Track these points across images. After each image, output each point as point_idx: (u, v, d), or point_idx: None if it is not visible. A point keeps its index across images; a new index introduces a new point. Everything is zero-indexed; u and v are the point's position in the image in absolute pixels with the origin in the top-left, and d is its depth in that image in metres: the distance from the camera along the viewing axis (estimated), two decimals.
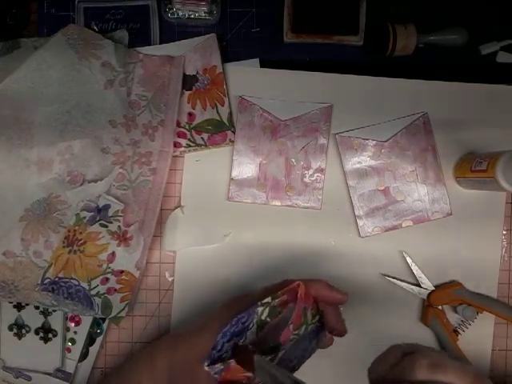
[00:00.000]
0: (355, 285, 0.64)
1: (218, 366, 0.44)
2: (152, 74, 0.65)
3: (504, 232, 0.65)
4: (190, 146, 0.65)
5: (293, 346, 0.48)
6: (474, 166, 0.60)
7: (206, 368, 0.44)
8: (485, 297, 0.64)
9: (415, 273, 0.64)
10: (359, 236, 0.65)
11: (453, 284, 0.64)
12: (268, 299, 0.48)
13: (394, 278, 0.65)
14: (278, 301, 0.48)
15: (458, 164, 0.65)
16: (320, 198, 0.65)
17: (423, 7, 0.66)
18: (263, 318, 0.48)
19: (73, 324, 0.65)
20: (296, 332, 0.47)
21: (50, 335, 0.64)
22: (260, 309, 0.48)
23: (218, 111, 0.65)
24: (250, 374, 0.44)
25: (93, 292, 0.62)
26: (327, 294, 0.51)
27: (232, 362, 0.44)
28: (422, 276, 0.64)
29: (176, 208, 0.66)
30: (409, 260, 0.64)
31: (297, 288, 0.47)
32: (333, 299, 0.51)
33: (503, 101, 0.65)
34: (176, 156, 0.65)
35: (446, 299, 0.64)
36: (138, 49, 0.66)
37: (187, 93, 0.65)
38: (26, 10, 0.67)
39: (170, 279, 0.66)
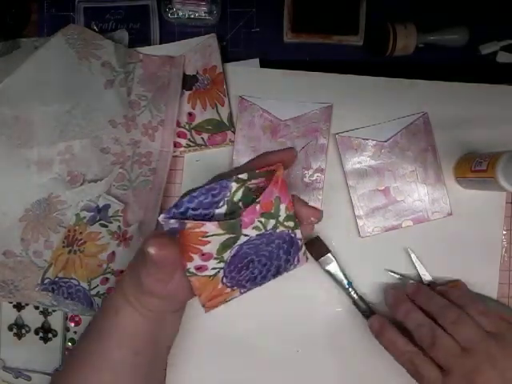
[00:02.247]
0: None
1: (173, 223, 0.41)
2: (152, 74, 0.65)
3: (504, 232, 0.65)
4: (189, 145, 0.65)
5: (258, 242, 0.46)
6: (474, 166, 0.60)
7: (161, 220, 0.41)
8: (485, 297, 0.64)
9: (419, 270, 0.64)
10: (359, 236, 0.65)
11: (454, 283, 0.64)
12: (244, 175, 0.44)
13: (398, 273, 0.65)
14: (254, 182, 0.45)
15: (458, 164, 0.65)
16: (320, 198, 0.65)
17: (423, 7, 0.66)
18: (235, 199, 0.45)
19: (73, 324, 0.65)
20: (262, 220, 0.44)
21: (50, 335, 0.65)
22: (233, 184, 0.44)
23: (217, 111, 0.65)
24: (207, 229, 0.41)
25: (93, 292, 0.62)
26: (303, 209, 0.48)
27: (188, 223, 0.41)
28: (426, 274, 0.64)
29: None
30: (413, 257, 0.64)
31: (276, 170, 0.44)
32: (306, 214, 0.49)
33: (503, 101, 0.65)
34: (176, 156, 0.65)
35: None
36: (138, 49, 0.66)
37: (187, 93, 0.65)
38: (25, 10, 0.67)
39: None
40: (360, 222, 0.65)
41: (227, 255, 0.45)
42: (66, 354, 0.65)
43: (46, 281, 0.62)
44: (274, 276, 0.50)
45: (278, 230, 0.46)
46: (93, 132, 0.62)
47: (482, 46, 0.66)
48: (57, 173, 0.61)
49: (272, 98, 0.65)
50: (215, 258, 0.44)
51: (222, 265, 0.45)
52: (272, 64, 0.66)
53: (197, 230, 0.42)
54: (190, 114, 0.65)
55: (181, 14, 0.66)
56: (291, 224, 0.47)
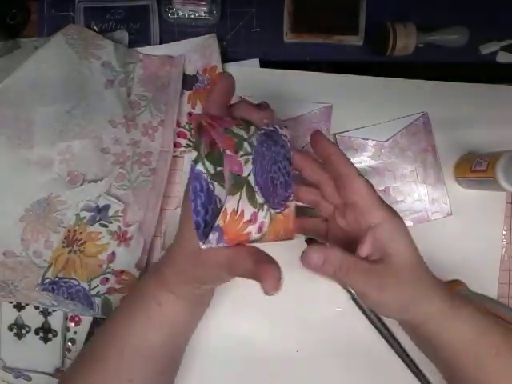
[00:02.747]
0: None
1: (212, 237, 0.40)
2: (152, 74, 0.65)
3: (504, 232, 0.65)
4: (190, 146, 0.65)
5: (259, 164, 0.42)
6: (474, 166, 0.60)
7: (204, 247, 0.40)
8: (485, 297, 0.64)
9: None
10: None
11: (455, 283, 0.64)
12: (194, 154, 0.42)
13: None
14: (202, 147, 0.43)
15: (458, 164, 0.65)
16: None
17: (423, 7, 0.66)
18: (212, 171, 0.43)
19: (73, 324, 0.65)
20: (242, 153, 0.41)
21: (50, 335, 0.64)
22: (199, 166, 0.43)
23: None
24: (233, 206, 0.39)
25: (93, 292, 0.62)
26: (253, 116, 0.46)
27: (219, 221, 0.39)
28: None
29: (176, 208, 0.65)
30: None
31: (199, 120, 0.41)
32: (259, 119, 0.46)
33: (503, 101, 0.65)
34: (176, 156, 0.65)
35: None
36: (138, 49, 0.66)
37: (187, 93, 0.65)
38: (25, 10, 0.67)
39: None
40: None
41: (252, 178, 0.42)
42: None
43: (46, 281, 0.61)
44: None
45: (255, 142, 0.42)
46: (93, 132, 0.62)
47: (482, 45, 0.66)
48: (57, 173, 0.61)
49: (272, 97, 0.65)
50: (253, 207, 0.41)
51: (262, 200, 0.42)
52: (272, 64, 0.66)
53: (229, 218, 0.40)
54: (190, 114, 0.65)
55: (181, 13, 0.66)
56: (252, 128, 0.43)
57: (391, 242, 0.46)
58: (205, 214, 0.43)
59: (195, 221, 0.42)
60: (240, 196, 0.40)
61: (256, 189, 0.42)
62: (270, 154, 0.44)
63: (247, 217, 0.41)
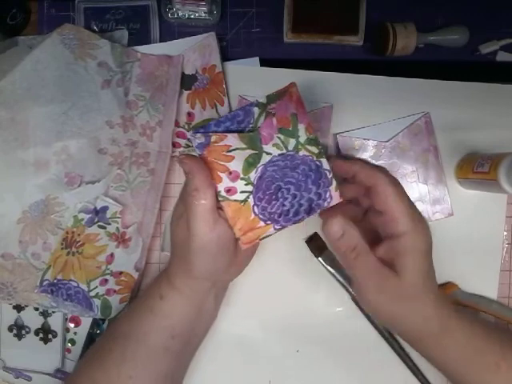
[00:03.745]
0: None
1: (200, 137, 0.45)
2: (150, 73, 0.64)
3: (505, 233, 0.65)
4: (189, 146, 0.65)
5: (282, 165, 0.48)
6: (476, 168, 0.60)
7: (189, 135, 0.45)
8: (481, 297, 0.64)
9: None
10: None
11: (448, 286, 0.64)
12: (263, 99, 0.47)
13: None
14: (273, 106, 0.47)
15: (459, 165, 0.65)
16: None
17: (423, 7, 0.66)
18: (259, 125, 0.47)
19: (72, 325, 0.65)
20: (281, 137, 0.47)
21: (50, 336, 0.64)
22: (255, 109, 0.47)
23: (217, 111, 0.64)
24: (230, 142, 0.45)
25: (92, 293, 0.62)
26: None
27: (213, 135, 0.45)
28: None
29: None
30: None
31: (290, 88, 0.47)
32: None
33: (505, 100, 0.65)
34: (175, 156, 0.65)
35: None
36: (136, 48, 0.66)
37: (186, 92, 0.65)
38: (25, 10, 0.67)
39: None
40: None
41: (253, 176, 0.47)
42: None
43: (45, 283, 0.61)
44: (308, 213, 0.49)
45: (300, 153, 0.48)
46: (90, 133, 0.61)
47: (482, 45, 0.66)
48: (54, 173, 0.61)
49: None
50: (242, 179, 0.47)
51: (250, 188, 0.48)
52: (272, 64, 0.66)
53: (221, 143, 0.45)
54: (189, 114, 0.65)
55: (181, 14, 0.66)
56: (314, 150, 0.48)
57: (403, 257, 0.46)
58: (220, 131, 0.46)
59: (208, 125, 0.46)
60: (243, 150, 0.47)
61: (259, 171, 0.48)
62: (300, 176, 0.49)
63: (231, 167, 0.47)
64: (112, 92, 0.63)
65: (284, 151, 0.48)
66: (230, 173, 0.47)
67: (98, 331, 0.65)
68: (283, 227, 0.50)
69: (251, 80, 0.66)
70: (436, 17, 0.66)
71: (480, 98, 0.65)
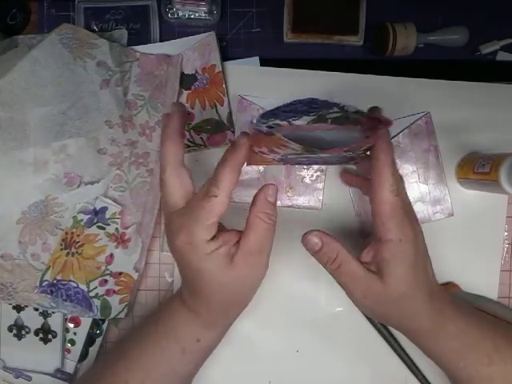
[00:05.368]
0: None
1: (261, 126, 0.42)
2: (149, 73, 0.64)
3: (505, 233, 0.65)
4: (189, 146, 0.65)
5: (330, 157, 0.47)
6: (477, 168, 0.59)
7: (255, 119, 0.42)
8: (481, 297, 0.64)
9: None
10: (360, 237, 0.65)
11: (448, 286, 0.64)
12: (352, 107, 0.43)
13: None
14: (355, 117, 0.44)
15: (460, 165, 0.65)
16: (320, 198, 0.65)
17: (423, 7, 0.66)
18: (328, 117, 0.45)
19: (72, 325, 0.65)
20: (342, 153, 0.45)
21: (50, 336, 0.64)
22: (335, 109, 0.44)
23: (217, 111, 0.64)
24: (289, 145, 0.41)
25: (91, 294, 0.62)
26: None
27: (277, 134, 0.41)
28: None
29: None
30: None
31: (384, 122, 0.42)
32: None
33: (506, 100, 0.65)
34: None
35: None
36: (135, 47, 0.66)
37: (186, 92, 0.65)
38: (25, 10, 0.67)
39: (170, 280, 0.66)
40: (361, 223, 0.65)
41: (292, 157, 0.47)
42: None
43: (45, 283, 0.61)
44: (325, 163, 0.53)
45: (342, 154, 0.47)
46: (89, 133, 0.61)
47: (482, 45, 0.66)
48: (53, 174, 0.61)
49: (272, 97, 0.65)
50: (280, 155, 0.46)
51: (281, 157, 0.47)
52: (272, 64, 0.66)
53: (281, 141, 0.42)
54: (188, 114, 0.65)
55: (181, 14, 0.66)
56: (362, 154, 0.49)
57: (388, 264, 0.46)
58: (284, 110, 0.44)
59: (276, 108, 0.43)
60: (297, 152, 0.44)
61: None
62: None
63: (276, 150, 0.45)
64: (111, 92, 0.63)
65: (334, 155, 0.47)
66: (272, 150, 0.46)
67: (98, 331, 0.65)
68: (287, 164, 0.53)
69: (251, 80, 0.65)
70: (436, 17, 0.66)
71: (480, 97, 0.65)
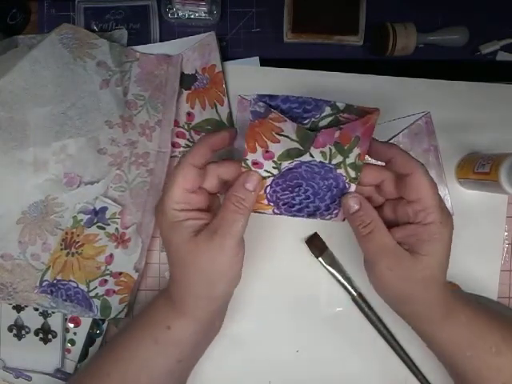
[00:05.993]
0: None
1: (261, 106, 0.42)
2: (149, 73, 0.64)
3: (506, 233, 0.65)
4: (188, 146, 0.65)
5: (316, 170, 0.48)
6: (477, 168, 0.59)
7: (252, 97, 0.43)
8: (481, 297, 0.64)
9: None
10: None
11: (448, 286, 0.64)
12: (341, 104, 0.45)
13: None
14: (346, 116, 0.45)
15: (460, 165, 0.65)
16: None
17: (423, 7, 0.66)
18: (321, 124, 0.45)
19: (72, 325, 0.65)
20: (332, 149, 0.46)
21: (50, 336, 0.64)
22: (327, 109, 0.45)
23: (217, 111, 0.64)
24: (284, 127, 0.43)
25: (91, 294, 0.62)
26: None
27: (273, 113, 0.42)
28: None
29: None
30: None
31: (371, 113, 0.44)
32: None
33: (506, 100, 0.65)
34: (175, 156, 0.65)
35: None
36: (135, 47, 0.66)
37: (186, 92, 0.65)
38: (25, 10, 0.67)
39: None
40: None
41: (285, 165, 0.48)
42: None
43: (45, 283, 0.62)
44: (309, 216, 0.52)
45: (338, 171, 0.48)
46: (89, 133, 0.61)
47: (482, 45, 0.66)
48: (53, 174, 0.61)
49: None
50: (274, 162, 0.47)
51: (275, 172, 0.48)
52: (272, 64, 0.66)
53: (276, 123, 0.44)
54: (188, 114, 0.65)
55: (181, 14, 0.66)
56: (352, 174, 0.48)
57: (428, 244, 0.47)
58: (281, 110, 0.44)
59: (275, 96, 0.43)
60: (291, 141, 0.46)
61: (293, 164, 0.48)
62: (323, 187, 0.50)
63: (270, 148, 0.47)
64: (111, 92, 0.63)
65: (326, 162, 0.47)
66: (267, 151, 0.46)
67: (98, 331, 0.65)
68: (281, 214, 0.52)
69: (251, 80, 0.66)
70: (436, 17, 0.66)
71: (480, 97, 0.65)
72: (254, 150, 0.47)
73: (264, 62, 0.67)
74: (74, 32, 0.63)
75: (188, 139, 0.65)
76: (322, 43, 0.65)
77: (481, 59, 0.67)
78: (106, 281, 0.62)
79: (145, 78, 0.64)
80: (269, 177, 0.49)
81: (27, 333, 0.65)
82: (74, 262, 0.62)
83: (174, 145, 0.64)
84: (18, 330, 0.65)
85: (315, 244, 0.64)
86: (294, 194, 0.50)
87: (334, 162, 0.47)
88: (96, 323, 0.65)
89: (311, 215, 0.52)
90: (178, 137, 0.65)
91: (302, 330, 0.65)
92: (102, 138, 0.62)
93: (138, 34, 0.67)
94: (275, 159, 0.47)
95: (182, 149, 0.65)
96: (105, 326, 0.65)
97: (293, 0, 0.64)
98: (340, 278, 0.64)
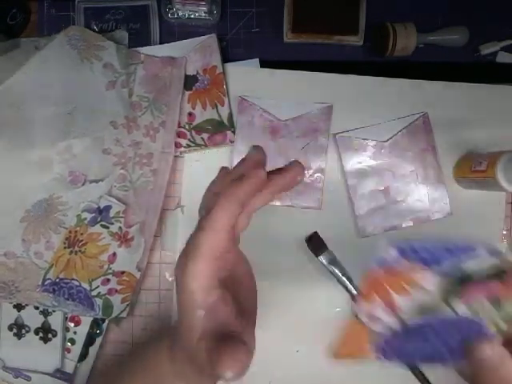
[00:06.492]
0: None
1: (393, 255, 0.36)
2: (153, 75, 0.65)
3: (504, 232, 0.65)
4: (189, 146, 0.65)
5: (447, 323, 0.38)
6: (474, 166, 0.60)
7: (384, 244, 0.36)
8: None
9: None
10: (359, 236, 0.65)
11: None
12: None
13: None
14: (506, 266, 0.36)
15: (457, 164, 0.65)
16: (320, 198, 0.65)
17: (423, 7, 0.66)
18: (471, 270, 0.37)
19: (72, 324, 0.65)
20: (484, 304, 0.37)
21: (50, 335, 0.64)
22: (484, 252, 0.37)
23: (217, 111, 0.65)
24: (422, 279, 0.36)
25: (94, 293, 0.62)
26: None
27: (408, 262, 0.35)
28: None
29: (176, 208, 0.65)
30: None
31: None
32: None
33: (503, 101, 0.65)
34: (176, 156, 0.65)
35: None
36: (139, 49, 0.66)
37: (187, 93, 0.65)
38: (26, 10, 0.67)
39: (170, 279, 0.66)
40: (360, 222, 0.65)
41: (411, 321, 0.39)
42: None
43: (47, 282, 0.62)
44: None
45: (483, 322, 0.37)
46: (94, 133, 0.62)
47: (482, 45, 0.66)
48: (58, 173, 0.61)
49: (272, 98, 0.65)
50: (396, 317, 0.39)
51: (395, 327, 0.39)
52: (272, 64, 0.66)
53: (411, 274, 0.37)
54: (190, 114, 0.65)
55: (181, 14, 0.66)
56: (503, 326, 0.38)
57: None
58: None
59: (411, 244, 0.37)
60: (427, 295, 0.38)
61: (422, 320, 0.39)
62: (452, 339, 0.39)
63: (396, 301, 0.39)
64: (117, 93, 0.63)
65: (469, 316, 0.37)
66: (389, 304, 0.38)
67: (98, 331, 0.65)
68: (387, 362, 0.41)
69: (251, 81, 0.66)
70: (436, 17, 0.66)
71: (479, 98, 0.65)
72: (369, 300, 0.39)
73: (264, 64, 0.67)
74: (82, 34, 0.64)
75: (189, 139, 0.65)
76: (322, 43, 0.66)
77: (481, 60, 0.67)
78: (108, 280, 0.62)
79: (149, 80, 0.65)
80: (384, 334, 0.40)
81: (27, 332, 0.65)
82: (77, 261, 0.62)
83: (175, 145, 0.64)
84: (18, 328, 0.65)
85: (315, 243, 0.64)
86: (417, 349, 0.40)
87: (483, 315, 0.38)
88: (96, 323, 0.65)
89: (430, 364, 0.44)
90: (179, 137, 0.65)
91: (302, 330, 0.65)
92: (106, 138, 0.62)
93: (138, 34, 0.67)
94: (398, 314, 0.39)
95: (182, 148, 0.65)
96: (105, 325, 0.65)
97: (293, 0, 0.64)
98: (340, 276, 0.64)
